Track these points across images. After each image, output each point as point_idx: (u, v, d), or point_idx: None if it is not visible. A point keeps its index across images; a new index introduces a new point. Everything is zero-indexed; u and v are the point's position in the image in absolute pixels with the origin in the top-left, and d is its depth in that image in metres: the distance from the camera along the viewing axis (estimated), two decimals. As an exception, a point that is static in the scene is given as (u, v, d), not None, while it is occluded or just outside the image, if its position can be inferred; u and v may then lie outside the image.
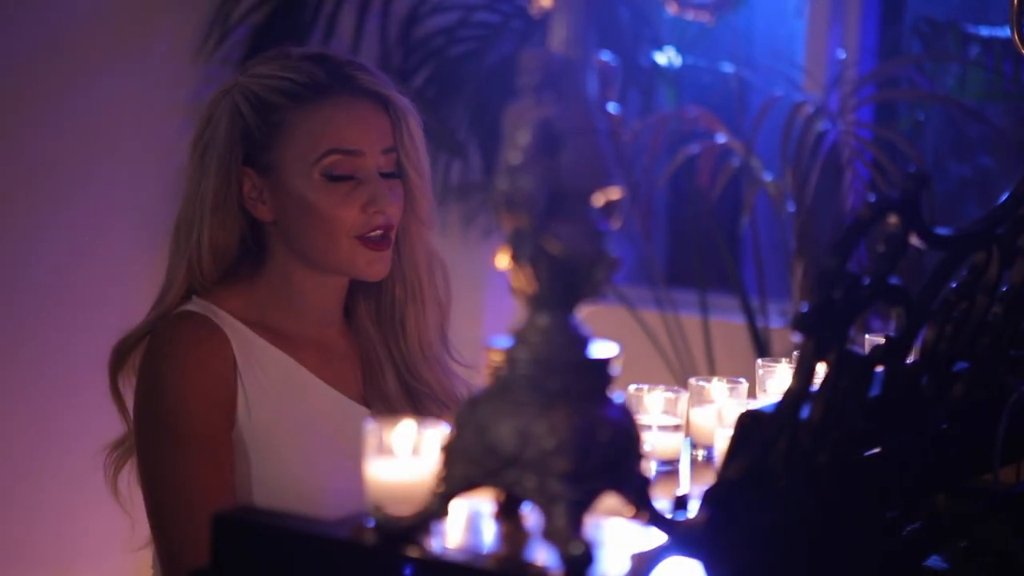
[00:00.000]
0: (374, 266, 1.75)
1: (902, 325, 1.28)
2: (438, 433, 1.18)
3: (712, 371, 3.44)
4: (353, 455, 1.78)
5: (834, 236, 2.99)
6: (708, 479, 1.54)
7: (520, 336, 1.14)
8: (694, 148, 3.27)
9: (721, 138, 3.23)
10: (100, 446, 3.21)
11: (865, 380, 1.26)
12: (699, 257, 3.50)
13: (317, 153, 1.73)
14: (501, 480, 1.11)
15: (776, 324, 3.53)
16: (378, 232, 1.74)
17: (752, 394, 1.65)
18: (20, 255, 3.11)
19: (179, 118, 3.37)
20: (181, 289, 1.77)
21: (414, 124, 1.79)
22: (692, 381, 1.61)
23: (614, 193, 1.13)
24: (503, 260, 1.13)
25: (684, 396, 1.57)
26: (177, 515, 1.67)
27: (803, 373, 1.19)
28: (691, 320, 3.53)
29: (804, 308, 1.17)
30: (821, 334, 1.17)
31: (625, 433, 1.13)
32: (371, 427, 1.19)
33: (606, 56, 1.15)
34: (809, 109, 3.06)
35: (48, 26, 3.13)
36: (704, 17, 1.15)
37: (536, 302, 1.13)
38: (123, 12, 3.26)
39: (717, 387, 1.59)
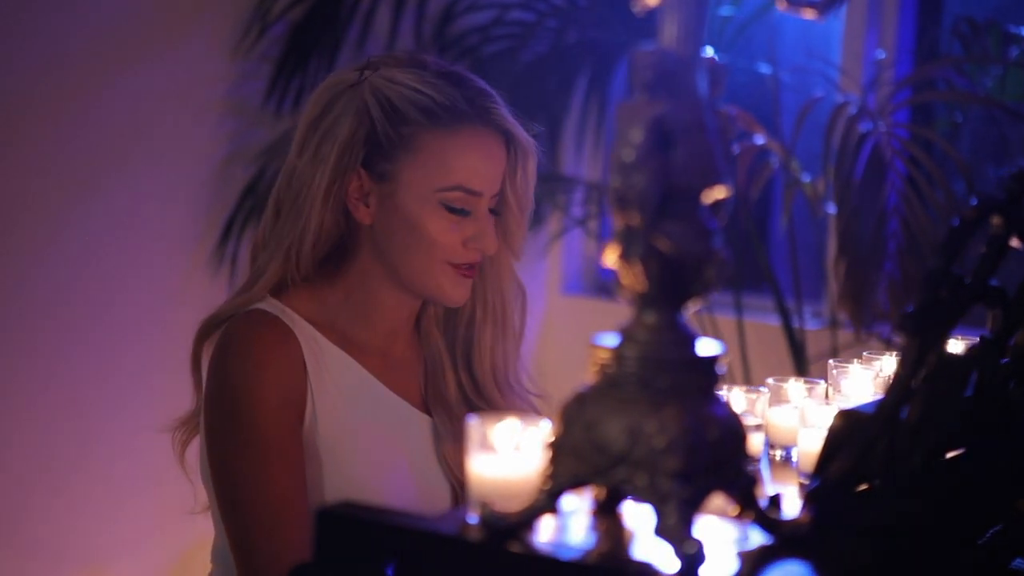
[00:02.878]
0: (458, 291, 1.76)
1: (998, 327, 1.28)
2: (542, 430, 1.18)
3: (747, 372, 3.44)
4: (414, 461, 1.79)
5: (875, 237, 2.98)
6: (788, 479, 1.54)
7: (628, 334, 1.13)
8: (732, 149, 3.26)
9: (759, 139, 3.23)
10: (133, 442, 3.22)
11: (962, 381, 1.26)
12: (734, 258, 3.49)
13: (445, 184, 1.72)
14: (610, 478, 1.11)
15: (811, 326, 3.52)
16: (469, 264, 1.76)
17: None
18: (56, 250, 3.12)
19: (217, 114, 3.38)
20: (274, 278, 1.75)
21: (532, 166, 1.78)
22: (770, 381, 1.61)
23: (722, 192, 1.13)
24: (611, 257, 1.13)
25: (765, 396, 1.57)
26: (256, 518, 1.66)
27: (905, 374, 1.19)
28: (726, 320, 3.53)
29: (909, 309, 1.17)
30: (926, 335, 1.17)
31: (732, 432, 1.13)
32: (474, 423, 1.19)
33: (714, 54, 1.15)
34: (851, 110, 3.06)
35: (87, 22, 3.13)
36: (813, 15, 1.15)
37: (644, 300, 1.13)
38: (162, 8, 3.26)
39: (794, 387, 1.59)
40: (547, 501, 1.13)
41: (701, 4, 1.12)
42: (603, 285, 4.05)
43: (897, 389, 1.18)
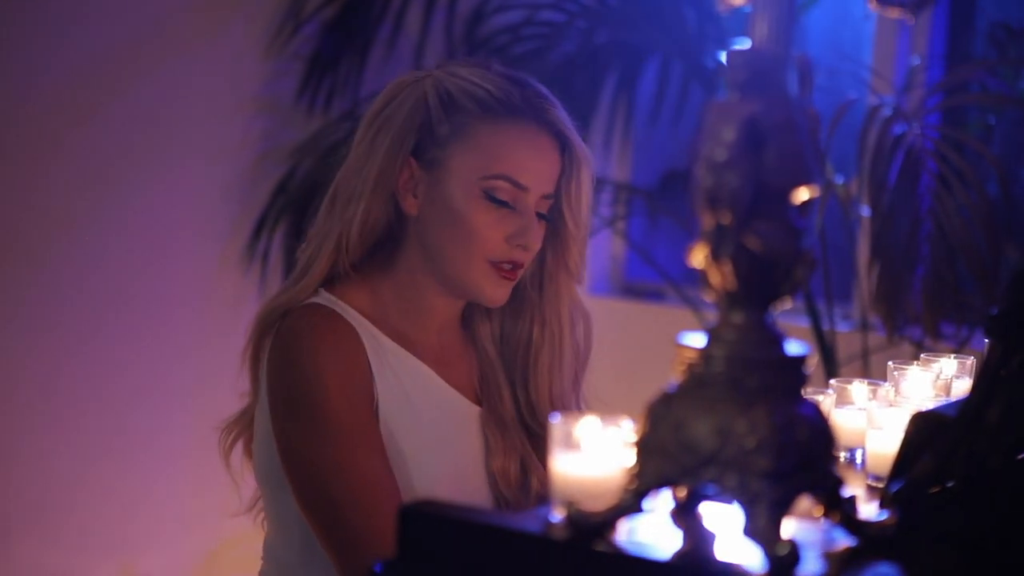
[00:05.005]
0: (497, 291, 1.75)
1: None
2: (626, 429, 1.18)
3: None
4: (468, 454, 1.79)
5: (909, 239, 2.98)
6: (855, 481, 1.53)
7: (715, 333, 1.13)
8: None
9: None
10: (163, 436, 3.22)
11: (1041, 384, 1.25)
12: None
13: (489, 172, 1.72)
14: (698, 478, 1.10)
15: (841, 328, 3.52)
16: (511, 264, 1.74)
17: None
18: (90, 247, 3.12)
19: (249, 112, 3.38)
20: (326, 266, 1.75)
21: (585, 175, 1.77)
22: (834, 382, 1.60)
23: (811, 191, 1.13)
24: (699, 256, 1.12)
25: (831, 397, 1.57)
26: (351, 504, 1.64)
27: (989, 377, 1.18)
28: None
29: (994, 311, 1.17)
30: (1011, 338, 1.17)
31: (821, 432, 1.12)
32: (558, 422, 1.18)
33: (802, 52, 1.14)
34: (886, 112, 3.05)
35: (122, 20, 3.13)
36: (904, 15, 1.15)
37: (731, 299, 1.13)
38: (196, 7, 3.26)
39: (858, 389, 1.59)
40: (633, 501, 1.12)
41: (792, 3, 1.12)
42: (630, 286, 4.05)
43: (982, 391, 1.18)
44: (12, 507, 3.04)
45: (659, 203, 3.74)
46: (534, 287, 1.82)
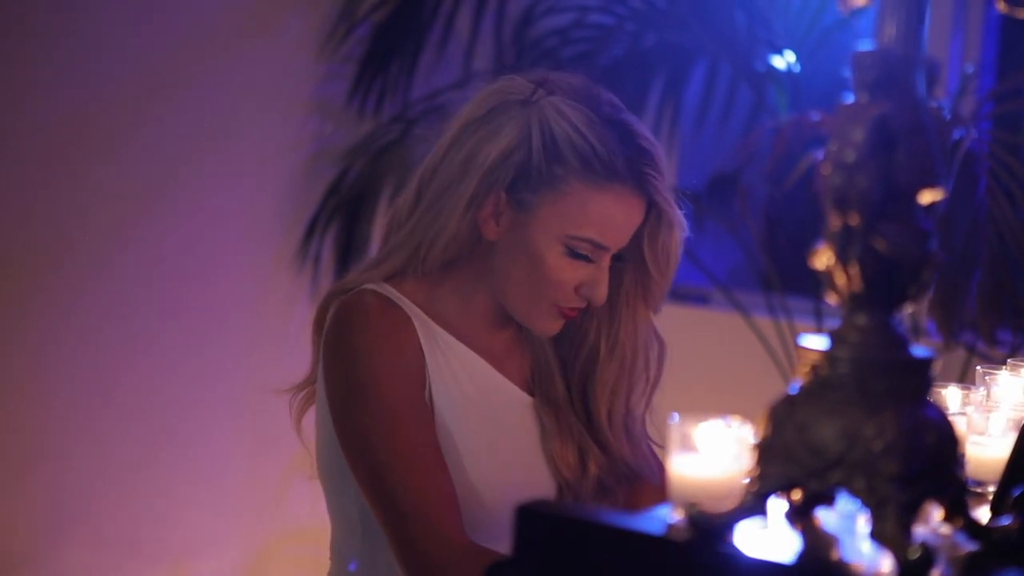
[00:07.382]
0: (552, 325, 1.77)
1: None
2: (744, 430, 1.17)
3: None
4: (524, 441, 1.79)
5: (967, 244, 2.96)
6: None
7: (839, 336, 1.12)
8: (818, 154, 3.24)
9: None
10: (212, 438, 3.22)
11: None
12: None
13: (576, 233, 1.71)
14: (824, 480, 1.10)
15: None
16: (573, 308, 1.75)
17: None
18: (143, 249, 3.12)
19: (301, 114, 3.38)
20: (398, 264, 1.77)
21: (676, 237, 1.75)
22: (928, 386, 1.59)
23: (938, 194, 1.12)
24: (824, 258, 1.12)
25: (927, 402, 1.56)
26: (403, 482, 1.66)
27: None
28: (805, 327, 3.51)
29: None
30: None
31: (947, 436, 1.12)
32: (675, 423, 1.18)
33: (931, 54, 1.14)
34: (944, 116, 3.03)
35: (175, 22, 3.14)
36: (1031, 17, 1.14)
37: (856, 301, 1.12)
38: (249, 8, 3.26)
39: (952, 393, 1.58)
40: (756, 503, 1.12)
41: (920, 3, 1.11)
42: (676, 289, 4.04)
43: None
44: (63, 511, 3.04)
45: (706, 206, 3.73)
46: (610, 307, 1.81)
